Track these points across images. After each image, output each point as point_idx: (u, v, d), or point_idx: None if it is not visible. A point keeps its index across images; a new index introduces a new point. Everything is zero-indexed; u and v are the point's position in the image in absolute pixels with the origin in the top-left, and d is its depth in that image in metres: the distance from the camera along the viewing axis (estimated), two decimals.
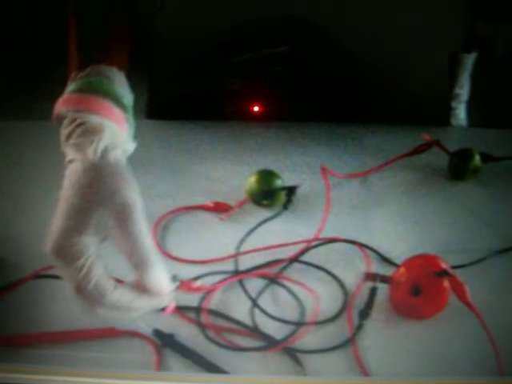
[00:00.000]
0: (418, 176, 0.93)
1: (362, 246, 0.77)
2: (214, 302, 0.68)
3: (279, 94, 1.08)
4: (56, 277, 0.58)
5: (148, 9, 1.00)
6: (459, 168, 0.92)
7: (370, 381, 0.62)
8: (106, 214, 0.54)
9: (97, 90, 0.60)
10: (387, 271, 0.70)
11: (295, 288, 0.71)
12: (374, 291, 0.67)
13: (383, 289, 0.68)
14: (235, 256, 0.75)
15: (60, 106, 0.59)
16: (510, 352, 0.61)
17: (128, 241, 0.54)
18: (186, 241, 0.79)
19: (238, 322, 0.66)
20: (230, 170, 0.92)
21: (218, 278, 0.72)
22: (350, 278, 0.71)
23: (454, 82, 1.16)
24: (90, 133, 0.57)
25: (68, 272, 0.54)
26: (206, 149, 0.98)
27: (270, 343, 0.63)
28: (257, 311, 0.68)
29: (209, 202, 0.84)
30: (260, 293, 0.70)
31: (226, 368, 0.60)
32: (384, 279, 0.68)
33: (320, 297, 0.69)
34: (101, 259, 0.54)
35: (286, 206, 0.84)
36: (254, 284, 0.71)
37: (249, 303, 0.68)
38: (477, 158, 0.91)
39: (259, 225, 0.80)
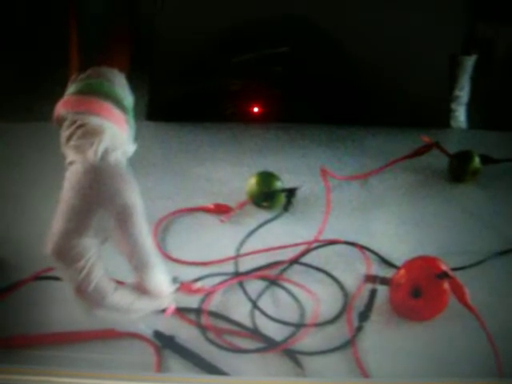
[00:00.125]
0: (418, 178, 0.93)
1: (362, 247, 0.77)
2: (214, 304, 0.68)
3: (279, 94, 1.08)
4: (56, 278, 0.58)
5: (148, 9, 1.00)
6: (459, 170, 0.92)
7: (370, 382, 0.63)
8: (107, 215, 0.54)
9: (97, 91, 0.60)
10: (387, 273, 0.70)
11: (295, 290, 0.71)
12: (373, 293, 0.67)
13: (383, 291, 0.68)
14: (235, 258, 0.75)
15: (60, 108, 0.59)
16: (509, 354, 0.61)
17: (128, 242, 0.54)
18: (186, 242, 0.79)
19: (238, 324, 0.66)
20: (230, 171, 0.92)
21: (218, 279, 0.72)
22: (350, 280, 0.72)
23: (454, 84, 1.16)
24: (90, 134, 0.57)
25: (68, 274, 0.54)
26: (206, 150, 0.98)
27: (270, 345, 0.63)
28: (257, 313, 0.68)
29: (209, 204, 0.84)
30: (260, 294, 0.70)
31: (226, 369, 0.60)
32: (384, 281, 0.68)
33: (320, 298, 0.69)
34: (101, 261, 0.54)
35: (286, 208, 0.84)
36: (254, 286, 0.71)
37: (249, 305, 0.68)
38: (477, 160, 0.91)
39: (259, 226, 0.80)
